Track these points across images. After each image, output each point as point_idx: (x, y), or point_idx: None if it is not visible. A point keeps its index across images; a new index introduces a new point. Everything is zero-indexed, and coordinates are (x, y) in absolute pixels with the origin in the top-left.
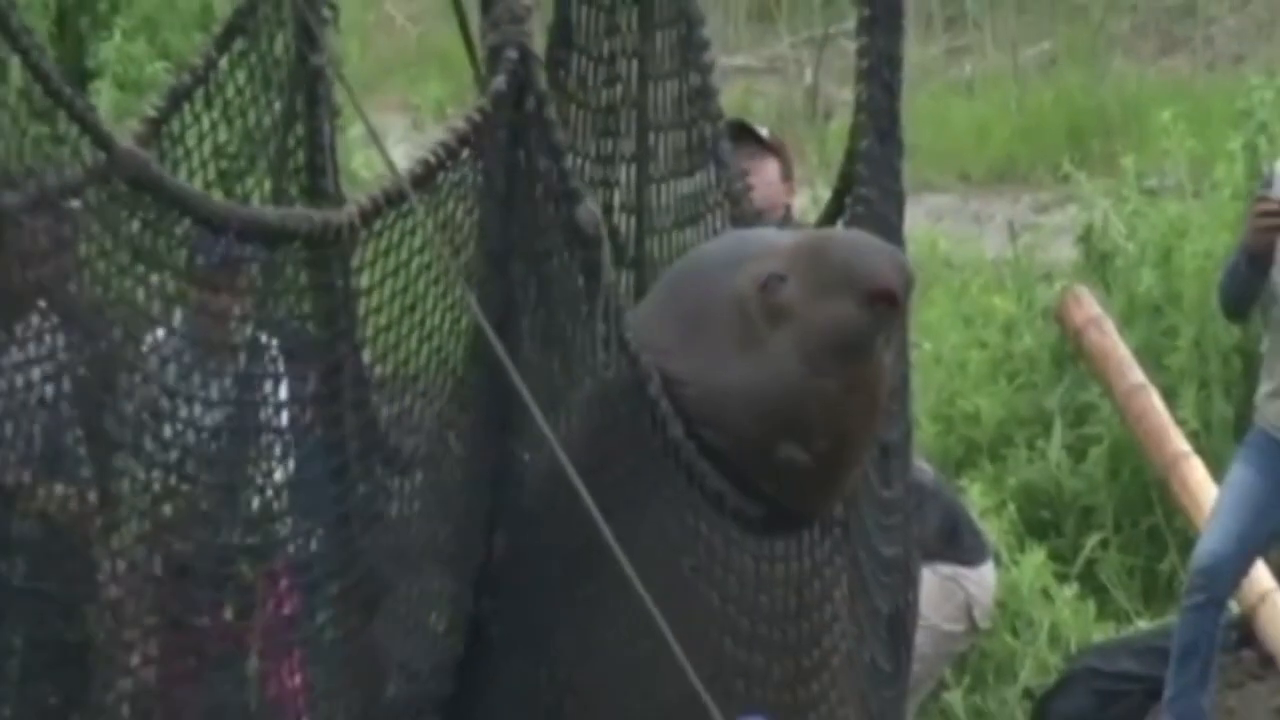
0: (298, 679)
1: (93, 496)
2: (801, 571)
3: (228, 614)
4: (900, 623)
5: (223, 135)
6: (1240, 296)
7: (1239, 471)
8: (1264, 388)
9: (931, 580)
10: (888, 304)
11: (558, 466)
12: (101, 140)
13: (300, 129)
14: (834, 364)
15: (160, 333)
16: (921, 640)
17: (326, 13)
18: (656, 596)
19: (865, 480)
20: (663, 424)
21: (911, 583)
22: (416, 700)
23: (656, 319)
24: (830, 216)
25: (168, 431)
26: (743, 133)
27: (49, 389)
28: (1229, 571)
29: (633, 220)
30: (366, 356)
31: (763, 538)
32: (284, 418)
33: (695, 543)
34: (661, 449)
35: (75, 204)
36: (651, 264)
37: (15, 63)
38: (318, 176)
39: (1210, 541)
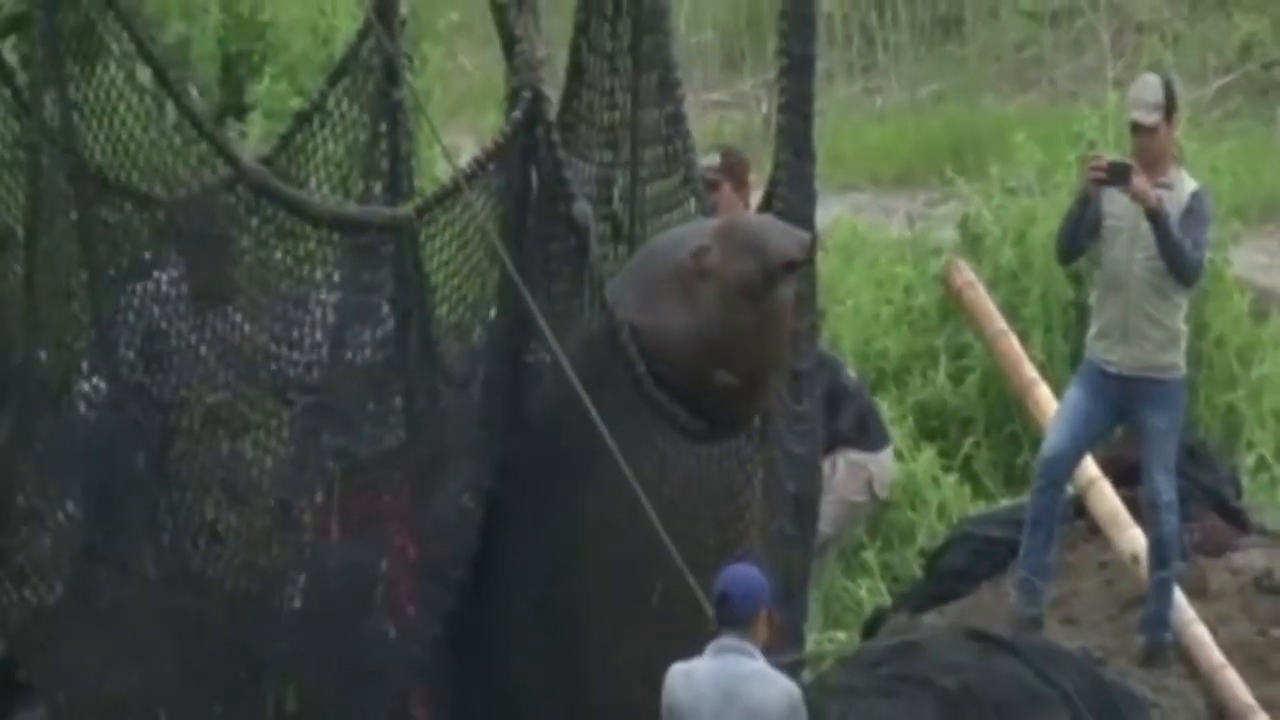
0: (411, 551)
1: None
2: (730, 468)
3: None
4: (807, 499)
5: (335, 150)
6: (1071, 233)
7: (1073, 392)
8: (1092, 330)
9: (843, 465)
10: (789, 270)
11: (557, 388)
12: (232, 159)
13: (384, 146)
14: (746, 305)
15: (321, 294)
16: (835, 510)
17: (404, 60)
18: (622, 490)
19: (780, 399)
20: (631, 363)
21: (817, 471)
22: (456, 552)
23: (625, 289)
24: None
25: (332, 368)
26: None
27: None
28: (1066, 464)
29: (628, 208)
30: (436, 307)
31: (703, 445)
32: (390, 356)
33: (653, 451)
34: (630, 382)
35: (221, 203)
36: (640, 239)
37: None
38: (398, 182)
39: (1052, 441)
